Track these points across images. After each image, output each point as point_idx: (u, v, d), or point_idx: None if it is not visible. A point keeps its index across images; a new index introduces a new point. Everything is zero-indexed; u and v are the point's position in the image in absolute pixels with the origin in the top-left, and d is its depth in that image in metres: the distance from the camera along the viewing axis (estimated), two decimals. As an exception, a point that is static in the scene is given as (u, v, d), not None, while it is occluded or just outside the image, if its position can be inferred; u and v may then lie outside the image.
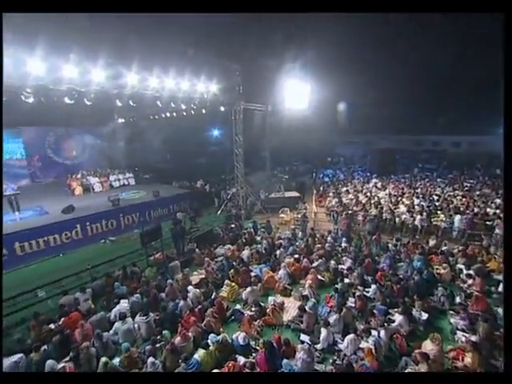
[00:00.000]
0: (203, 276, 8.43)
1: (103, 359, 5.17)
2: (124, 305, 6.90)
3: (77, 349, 5.54)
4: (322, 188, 18.46)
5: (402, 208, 12.70)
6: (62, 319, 6.53)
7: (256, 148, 19.36)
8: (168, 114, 17.99)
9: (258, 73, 17.61)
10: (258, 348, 5.70)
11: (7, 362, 5.32)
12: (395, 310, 6.39)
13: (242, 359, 5.33)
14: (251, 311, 6.74)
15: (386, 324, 5.78)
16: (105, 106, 12.00)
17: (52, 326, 6.43)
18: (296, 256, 8.99)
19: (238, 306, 7.01)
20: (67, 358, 5.50)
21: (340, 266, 8.49)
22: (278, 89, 16.40)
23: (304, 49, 19.83)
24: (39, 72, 8.06)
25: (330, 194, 16.49)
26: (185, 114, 16.78)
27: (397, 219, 11.76)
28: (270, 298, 7.19)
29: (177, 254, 9.82)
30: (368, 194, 15.73)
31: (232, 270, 8.30)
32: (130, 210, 12.62)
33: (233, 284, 7.68)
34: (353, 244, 10.01)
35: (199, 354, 5.37)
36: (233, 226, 12.23)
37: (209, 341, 5.69)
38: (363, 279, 7.68)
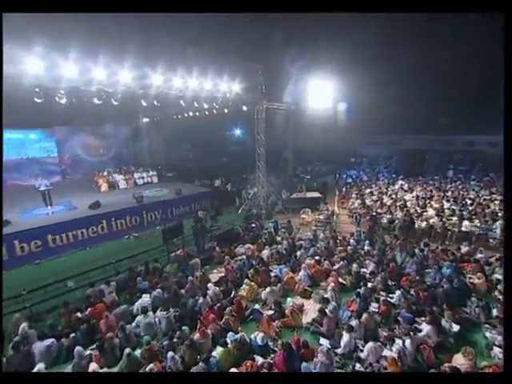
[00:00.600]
0: (223, 274, 8.53)
1: (126, 350, 5.37)
2: (146, 299, 7.13)
3: (102, 338, 5.85)
4: (344, 189, 18.08)
5: (431, 212, 12.14)
6: (89, 309, 6.87)
7: (278, 147, 19.30)
8: (191, 114, 18.39)
9: (281, 72, 17.54)
10: (276, 349, 5.67)
11: (41, 345, 5.71)
12: (422, 318, 6.10)
13: (259, 359, 5.33)
14: (270, 311, 6.73)
15: (411, 333, 5.53)
16: (130, 105, 12.46)
17: (79, 314, 6.77)
18: (317, 258, 8.87)
19: (256, 306, 7.02)
20: (93, 346, 5.78)
21: (362, 270, 8.27)
22: (302, 88, 16.27)
23: (328, 48, 19.54)
24: (72, 74, 8.53)
25: (353, 196, 16.12)
26: (207, 113, 17.08)
27: (424, 223, 11.27)
28: (289, 300, 7.14)
29: (197, 252, 10.00)
30: (393, 196, 15.19)
31: (252, 270, 8.33)
32: (152, 208, 13.02)
33: (252, 283, 7.70)
34: (376, 247, 9.72)
35: (217, 352, 5.44)
36: (253, 225, 12.27)
37: (227, 339, 5.75)
38: (387, 284, 7.43)
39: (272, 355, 5.54)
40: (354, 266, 8.19)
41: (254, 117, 13.99)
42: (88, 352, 5.60)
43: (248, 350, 5.64)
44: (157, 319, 6.47)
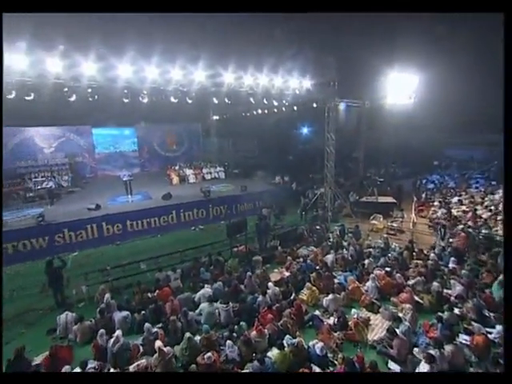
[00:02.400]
0: (283, 275, 8.44)
1: (187, 334, 5.70)
2: (208, 290, 7.48)
3: (166, 320, 6.35)
4: (424, 195, 16.16)
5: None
6: (157, 291, 7.54)
7: (349, 147, 18.34)
8: (259, 111, 18.81)
9: (356, 66, 16.59)
10: (336, 362, 5.34)
11: (119, 314, 6.52)
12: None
13: (316, 369, 5.09)
14: (331, 320, 6.39)
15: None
16: (203, 103, 13.36)
17: (149, 295, 7.48)
18: (388, 269, 8.09)
19: (317, 312, 6.74)
20: (159, 325, 6.29)
21: (446, 291, 7.20)
22: (379, 83, 15.08)
23: (409, 38, 17.69)
24: (154, 76, 9.52)
25: (436, 204, 14.28)
26: (276, 110, 17.25)
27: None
28: (354, 311, 6.64)
29: (259, 249, 10.14)
30: (492, 207, 12.91)
31: (314, 274, 8.03)
32: (218, 202, 13.69)
33: (313, 288, 7.41)
34: (466, 267, 8.31)
35: (273, 354, 5.38)
36: (318, 227, 11.90)
37: (284, 342, 5.63)
38: (482, 315, 6.26)
39: (331, 368, 5.23)
40: (435, 284, 7.18)
41: (325, 114, 13.51)
42: (155, 329, 6.12)
43: (305, 356, 5.44)
44: (217, 310, 6.74)
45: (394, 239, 10.89)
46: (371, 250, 9.56)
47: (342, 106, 14.27)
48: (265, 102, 12.86)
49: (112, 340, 5.72)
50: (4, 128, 16.73)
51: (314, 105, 14.16)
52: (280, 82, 12.03)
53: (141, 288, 7.70)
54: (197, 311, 6.76)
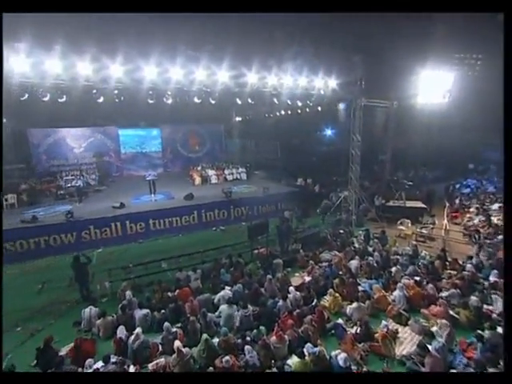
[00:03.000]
0: (305, 280, 8.23)
1: (204, 336, 5.67)
2: (228, 292, 7.43)
3: (185, 320, 6.36)
4: (458, 201, 15.24)
5: None
6: (177, 291, 7.60)
7: (375, 149, 17.72)
8: (282, 112, 18.68)
9: (384, 65, 16.02)
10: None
11: (140, 312, 6.64)
12: None
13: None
14: (355, 330, 6.11)
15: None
16: (226, 104, 13.42)
17: (169, 294, 7.54)
18: (417, 278, 7.63)
19: (340, 321, 6.48)
20: (179, 325, 6.35)
21: (486, 307, 6.64)
22: (409, 82, 14.44)
23: (444, 36, 16.82)
24: (178, 76, 9.67)
25: (472, 210, 13.42)
26: (299, 111, 17.03)
27: None
28: (384, 323, 6.18)
29: (280, 252, 9.98)
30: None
31: (337, 280, 7.75)
32: (240, 203, 13.70)
33: (337, 295, 7.14)
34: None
35: (293, 362, 5.21)
36: (341, 231, 11.55)
37: (305, 350, 5.44)
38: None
39: (355, 382, 4.97)
40: (474, 298, 6.62)
41: (351, 115, 13.13)
42: (174, 329, 6.15)
43: (326, 367, 5.21)
44: (236, 313, 6.66)
45: (423, 246, 10.29)
46: (398, 257, 9.10)
47: (368, 106, 13.78)
48: (289, 102, 12.71)
49: (132, 337, 5.83)
50: (38, 129, 17.91)
51: (340, 105, 13.82)
52: (305, 81, 11.83)
53: (161, 287, 7.81)
54: (216, 313, 6.73)
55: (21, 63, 7.73)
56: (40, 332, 6.66)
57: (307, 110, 15.76)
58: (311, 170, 20.07)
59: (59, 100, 8.88)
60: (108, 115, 16.94)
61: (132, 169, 21.06)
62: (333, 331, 6.24)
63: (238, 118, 23.23)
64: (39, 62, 7.88)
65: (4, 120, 16.12)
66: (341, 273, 8.29)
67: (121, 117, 17.57)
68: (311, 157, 24.97)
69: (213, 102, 11.31)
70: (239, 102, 11.93)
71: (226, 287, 7.63)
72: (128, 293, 7.27)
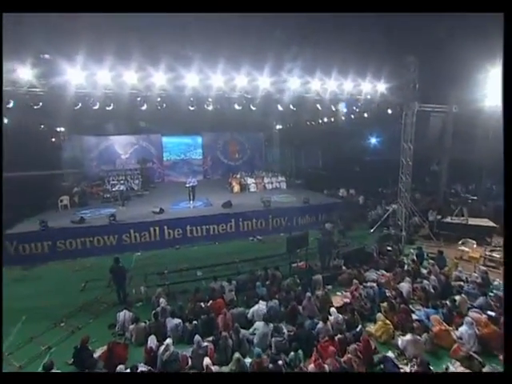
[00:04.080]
0: (348, 300, 7.50)
1: (236, 355, 5.33)
2: (262, 307, 7.03)
3: (217, 334, 6.10)
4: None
5: None
6: (210, 302, 7.39)
7: (428, 158, 16.25)
8: (325, 120, 18.08)
9: (442, 65, 14.66)
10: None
11: (172, 321, 6.53)
12: None
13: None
14: (409, 368, 5.29)
15: None
16: (267, 111, 13.24)
17: (202, 304, 7.34)
18: (491, 313, 6.46)
19: (390, 354, 5.68)
20: (210, 339, 6.11)
21: None
22: (474, 83, 13.00)
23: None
24: (219, 83, 9.71)
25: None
26: (343, 118, 16.30)
27: None
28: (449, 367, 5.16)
29: (321, 268, 9.33)
30: None
31: (385, 304, 6.92)
32: (279, 213, 13.33)
33: (387, 322, 6.30)
34: None
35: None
36: (389, 248, 10.55)
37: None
38: None
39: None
40: None
41: (401, 121, 12.15)
42: (205, 344, 5.89)
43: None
44: (270, 333, 6.22)
45: (495, 273, 8.79)
46: (462, 283, 7.91)
47: (422, 112, 12.66)
48: (333, 108, 12.14)
49: (162, 347, 5.70)
50: (91, 137, 19.48)
51: (389, 111, 12.89)
52: (350, 86, 11.24)
53: (195, 296, 7.66)
54: (250, 330, 6.35)
55: (77, 75, 8.39)
56: (80, 330, 6.94)
57: (352, 116, 14.99)
58: (354, 181, 19.05)
59: (107, 108, 9.40)
60: (151, 122, 17.80)
61: (173, 175, 21.84)
62: (381, 365, 5.48)
63: (279, 126, 23.04)
64: (92, 74, 8.48)
65: (62, 129, 17.82)
66: (389, 295, 7.42)
67: (163, 124, 18.32)
68: (354, 166, 23.80)
69: (253, 108, 11.20)
70: (280, 108, 11.67)
71: (261, 302, 7.22)
72: (162, 300, 7.25)
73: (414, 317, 6.49)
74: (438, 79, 13.41)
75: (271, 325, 6.29)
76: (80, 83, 8.52)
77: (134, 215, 12.71)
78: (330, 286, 8.42)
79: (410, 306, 6.98)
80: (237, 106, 10.77)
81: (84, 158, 19.64)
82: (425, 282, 7.99)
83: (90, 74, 8.42)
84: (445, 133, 14.73)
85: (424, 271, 8.82)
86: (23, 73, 8.05)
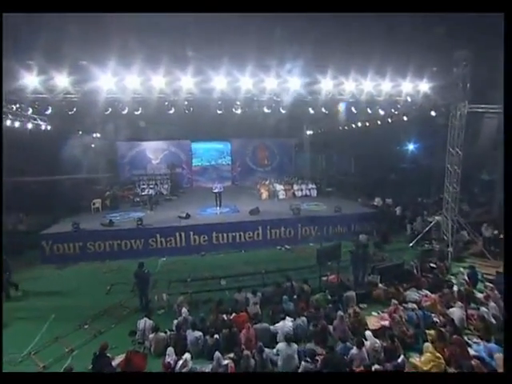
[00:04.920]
0: (386, 323, 6.66)
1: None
2: (288, 324, 6.46)
3: (239, 352, 5.65)
4: None
5: None
6: (233, 315, 6.98)
7: (478, 165, 14.73)
8: (359, 124, 17.21)
9: (496, 59, 13.21)
10: None
11: (192, 334, 6.19)
12: None
13: None
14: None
15: None
16: (297, 114, 12.79)
17: (225, 317, 6.93)
18: None
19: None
20: (231, 355, 5.70)
21: None
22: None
23: None
24: (248, 85, 9.40)
25: None
26: (379, 122, 15.41)
27: None
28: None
29: (354, 283, 8.50)
30: None
31: (432, 331, 5.98)
32: (308, 222, 12.73)
33: (437, 354, 5.25)
34: None
35: None
36: (433, 265, 9.45)
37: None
38: None
39: None
40: None
41: (449, 124, 11.03)
42: (226, 361, 5.48)
43: None
44: (297, 355, 5.62)
45: None
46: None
47: (472, 113, 11.44)
48: (369, 111, 11.35)
49: (180, 362, 5.43)
50: (124, 142, 20.23)
51: (433, 113, 11.84)
52: (389, 86, 10.42)
53: (218, 308, 7.28)
54: (274, 350, 5.80)
55: (107, 81, 8.56)
56: (102, 334, 6.91)
57: (389, 120, 14.05)
58: (390, 189, 17.85)
59: (135, 113, 9.50)
60: (182, 129, 18.05)
61: (201, 180, 22.02)
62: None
63: (309, 132, 22.40)
64: (121, 79, 8.59)
65: (98, 135, 18.68)
66: (437, 322, 6.48)
67: (193, 130, 18.53)
68: (390, 173, 22.42)
69: (283, 111, 10.78)
70: (312, 111, 11.12)
71: (288, 318, 6.67)
72: (184, 310, 6.96)
73: (472, 352, 5.46)
74: (493, 76, 12.06)
75: (295, 346, 5.71)
76: (110, 88, 8.66)
77: (161, 220, 12.74)
78: (364, 305, 7.61)
79: (465, 338, 5.96)
80: (266, 109, 10.42)
81: (118, 162, 20.53)
82: (482, 309, 6.85)
83: (119, 79, 8.53)
84: (500, 136, 13.21)
85: (479, 295, 7.65)
86: (60, 80, 8.37)
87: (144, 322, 6.69)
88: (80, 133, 16.46)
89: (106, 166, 18.69)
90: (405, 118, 13.03)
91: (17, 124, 12.41)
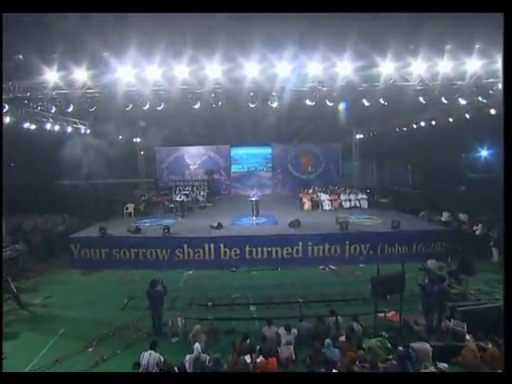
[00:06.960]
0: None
1: None
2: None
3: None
4: None
5: None
6: (259, 360, 5.33)
7: None
8: (422, 124, 14.59)
9: None
10: None
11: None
12: None
13: None
14: None
15: None
16: (347, 107, 10.97)
17: (247, 360, 5.38)
18: None
19: None
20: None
21: None
22: None
23: None
24: (285, 73, 7.85)
25: None
26: (451, 120, 12.79)
27: None
28: None
29: (425, 328, 6.09)
30: None
31: None
32: (358, 238, 10.70)
33: None
34: None
35: None
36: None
37: None
38: None
39: None
40: None
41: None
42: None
43: None
44: None
45: None
46: None
47: None
48: (443, 101, 8.88)
49: None
50: (163, 147, 20.08)
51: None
52: (478, 65, 7.86)
53: (242, 345, 5.72)
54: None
55: (126, 73, 7.74)
56: (104, 362, 6.02)
57: (467, 115, 11.35)
58: (463, 202, 14.95)
59: (157, 108, 8.57)
60: (219, 133, 17.31)
61: (240, 187, 20.90)
62: None
63: (359, 136, 20.07)
64: (141, 70, 7.71)
65: (139, 140, 18.70)
66: None
67: (231, 135, 17.67)
68: (459, 184, 18.97)
69: (330, 104, 8.97)
70: (367, 103, 9.13)
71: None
72: (197, 345, 5.50)
73: None
74: None
75: None
76: (129, 81, 7.83)
77: (191, 228, 11.77)
78: (445, 365, 5.30)
79: None
80: (308, 102, 8.70)
81: (157, 167, 20.44)
82: None
83: (139, 71, 7.65)
84: None
85: None
86: (79, 74, 7.76)
87: (148, 356, 5.34)
88: (120, 138, 16.41)
89: (146, 171, 18.61)
90: (492, 112, 10.04)
91: (56, 128, 12.52)
